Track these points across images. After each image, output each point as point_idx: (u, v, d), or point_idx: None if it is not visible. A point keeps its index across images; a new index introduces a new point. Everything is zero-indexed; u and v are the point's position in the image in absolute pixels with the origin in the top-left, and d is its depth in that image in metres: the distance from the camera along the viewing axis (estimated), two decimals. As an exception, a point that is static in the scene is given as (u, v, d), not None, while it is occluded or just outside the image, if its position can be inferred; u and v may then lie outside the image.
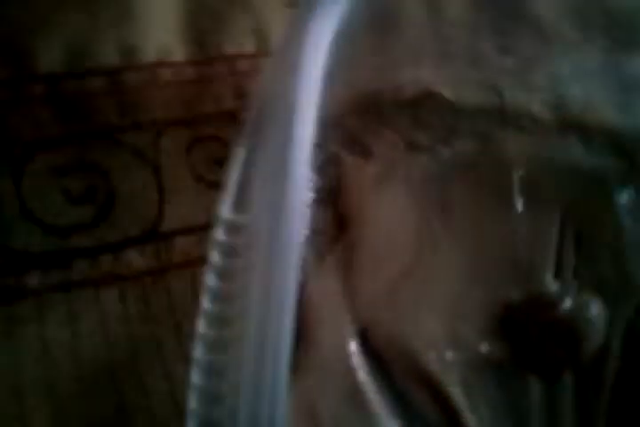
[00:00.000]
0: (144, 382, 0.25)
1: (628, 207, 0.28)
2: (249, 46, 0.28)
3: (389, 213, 0.27)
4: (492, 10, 0.28)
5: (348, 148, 0.28)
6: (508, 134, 0.28)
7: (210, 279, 0.19)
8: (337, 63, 0.22)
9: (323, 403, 0.24)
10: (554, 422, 0.25)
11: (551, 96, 0.28)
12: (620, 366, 0.26)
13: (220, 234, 0.20)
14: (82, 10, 0.26)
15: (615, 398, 0.26)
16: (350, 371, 0.25)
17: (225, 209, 0.20)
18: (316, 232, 0.25)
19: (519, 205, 0.28)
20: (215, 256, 0.20)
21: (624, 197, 0.28)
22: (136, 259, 0.25)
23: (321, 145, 0.24)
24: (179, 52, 0.27)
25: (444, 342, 0.26)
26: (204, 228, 0.26)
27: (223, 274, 0.20)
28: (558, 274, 0.27)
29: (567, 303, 0.27)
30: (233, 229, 0.20)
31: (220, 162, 0.27)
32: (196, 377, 0.19)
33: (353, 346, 0.26)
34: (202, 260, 0.26)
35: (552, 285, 0.27)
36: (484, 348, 0.26)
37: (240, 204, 0.21)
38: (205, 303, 0.19)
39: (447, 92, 0.28)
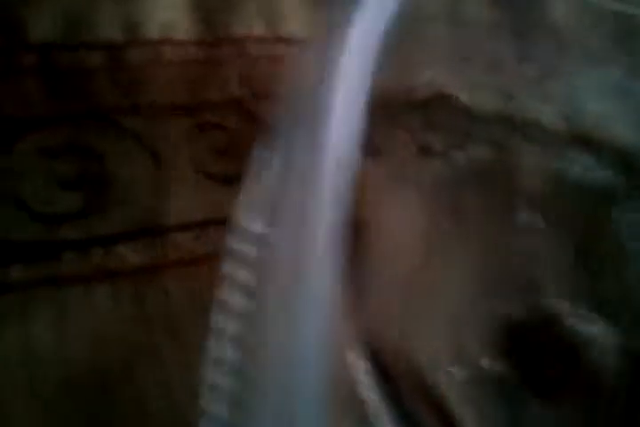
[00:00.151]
0: (137, 389, 0.22)
1: (633, 224, 0.27)
2: (258, 29, 0.26)
3: (399, 218, 0.26)
4: (512, 13, 0.27)
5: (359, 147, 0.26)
6: (520, 143, 0.27)
7: (231, 296, 0.17)
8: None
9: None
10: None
11: (566, 108, 0.27)
12: (620, 383, 0.25)
13: (240, 246, 0.17)
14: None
15: (614, 414, 0.25)
16: (356, 389, 0.24)
17: (246, 219, 0.18)
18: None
19: (526, 216, 0.26)
20: (235, 271, 0.17)
21: (629, 214, 0.27)
22: (130, 254, 0.23)
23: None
24: (184, 31, 0.25)
25: (448, 357, 0.25)
26: (203, 223, 0.24)
27: (245, 293, 0.17)
28: (561, 289, 0.26)
29: (570, 320, 0.26)
30: (256, 242, 0.18)
31: (223, 152, 0.25)
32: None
33: (359, 362, 0.24)
34: (202, 258, 0.24)
35: (554, 300, 0.26)
36: (486, 363, 0.25)
37: (265, 214, 0.18)
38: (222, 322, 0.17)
39: (463, 96, 0.26)
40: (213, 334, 0.18)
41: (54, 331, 0.22)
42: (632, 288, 0.26)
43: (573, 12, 0.27)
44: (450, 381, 0.25)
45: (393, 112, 0.27)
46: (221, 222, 0.24)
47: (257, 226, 0.19)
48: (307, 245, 0.18)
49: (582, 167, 0.27)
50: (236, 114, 0.25)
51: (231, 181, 0.25)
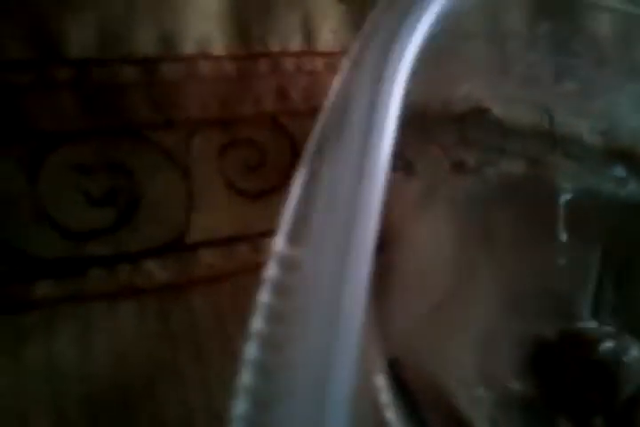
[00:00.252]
0: (158, 407, 0.22)
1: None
2: (294, 43, 0.25)
3: (429, 235, 0.25)
4: (552, 26, 0.25)
5: (391, 162, 0.25)
6: (555, 159, 0.26)
7: (258, 322, 0.16)
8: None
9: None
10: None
11: (603, 123, 0.26)
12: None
13: (272, 269, 0.17)
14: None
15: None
16: (377, 406, 0.23)
17: (279, 240, 0.17)
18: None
19: (562, 235, 0.26)
20: (266, 295, 0.17)
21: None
22: (157, 270, 0.23)
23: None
24: (220, 45, 0.24)
25: (475, 378, 0.24)
26: (233, 240, 0.24)
27: (273, 317, 0.17)
28: (596, 312, 0.25)
29: (607, 345, 0.25)
30: (287, 264, 0.17)
31: (255, 168, 0.24)
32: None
33: (381, 380, 0.23)
34: (228, 275, 0.24)
35: (589, 323, 0.25)
36: (514, 386, 0.24)
37: (297, 234, 0.18)
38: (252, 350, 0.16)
39: (497, 110, 0.25)
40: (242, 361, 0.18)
41: (78, 347, 0.22)
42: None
43: (614, 25, 0.26)
44: (476, 402, 0.24)
45: (428, 127, 0.26)
46: (251, 239, 0.24)
47: (281, 245, 0.18)
48: (344, 269, 0.17)
49: (619, 183, 0.26)
50: (269, 129, 0.24)
51: (262, 197, 0.24)
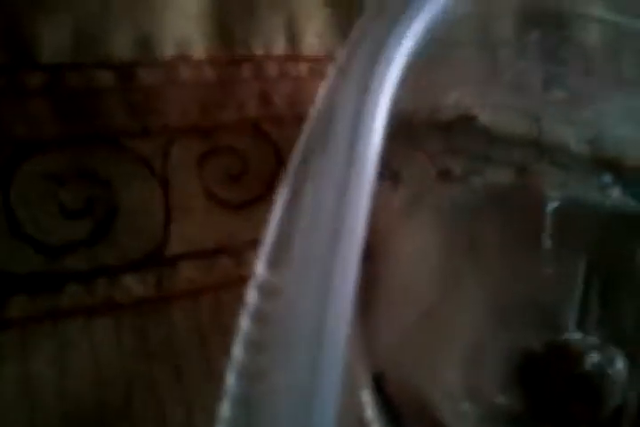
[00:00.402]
0: (136, 425, 0.21)
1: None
2: (278, 47, 0.23)
3: (414, 245, 0.24)
4: (541, 35, 0.24)
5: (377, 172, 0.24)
6: (542, 167, 0.25)
7: (238, 351, 0.15)
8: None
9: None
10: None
11: (591, 133, 0.25)
12: (636, 424, 0.23)
13: (252, 296, 0.16)
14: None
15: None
16: (362, 421, 0.22)
17: (259, 266, 0.16)
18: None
19: (547, 244, 0.24)
20: (246, 323, 0.15)
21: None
22: (135, 285, 0.21)
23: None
24: (200, 48, 0.22)
25: (460, 392, 0.23)
26: (215, 252, 0.22)
27: (254, 346, 0.15)
28: (582, 322, 0.24)
29: (593, 358, 0.24)
30: (268, 290, 0.16)
31: (237, 177, 0.23)
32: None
33: (366, 395, 0.22)
34: (208, 289, 0.22)
35: (575, 334, 0.24)
36: (500, 400, 0.23)
37: (278, 258, 0.16)
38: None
39: (484, 118, 0.24)
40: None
41: (55, 365, 0.21)
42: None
43: (602, 35, 0.25)
44: (461, 417, 0.23)
45: (414, 134, 0.25)
46: (233, 251, 0.23)
47: (261, 270, 0.17)
48: (328, 294, 0.16)
49: (605, 192, 0.25)
50: (251, 137, 0.23)
51: (245, 207, 0.23)
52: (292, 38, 0.24)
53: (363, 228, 0.17)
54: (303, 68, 0.24)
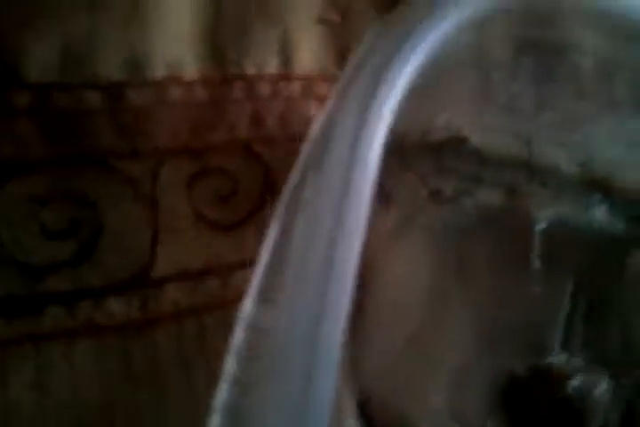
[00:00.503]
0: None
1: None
2: (271, 66, 0.23)
3: (404, 265, 0.23)
4: (534, 58, 0.23)
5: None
6: (532, 188, 0.24)
7: (223, 392, 0.15)
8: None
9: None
10: None
11: (581, 155, 0.24)
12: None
13: (240, 335, 0.15)
14: (81, 8, 0.20)
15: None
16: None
17: (248, 304, 0.15)
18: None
19: (535, 265, 0.24)
20: (233, 361, 0.15)
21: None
22: (119, 308, 0.21)
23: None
24: (192, 68, 0.22)
25: (446, 417, 0.23)
26: (202, 274, 0.22)
27: (239, 384, 0.15)
28: (566, 345, 0.24)
29: (576, 381, 0.23)
30: (256, 328, 0.15)
31: (226, 198, 0.22)
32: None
33: (351, 423, 0.22)
34: (192, 311, 0.22)
35: (559, 356, 0.24)
36: (486, 424, 0.23)
37: (268, 295, 0.16)
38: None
39: (476, 139, 0.24)
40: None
41: (34, 390, 0.20)
42: (635, 344, 0.24)
43: (595, 59, 0.24)
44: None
45: (405, 155, 0.24)
46: (221, 273, 0.22)
47: (250, 307, 0.16)
48: (319, 329, 0.15)
49: (595, 215, 0.25)
50: (242, 157, 0.22)
51: (234, 228, 0.22)
52: (285, 57, 0.23)
53: (358, 253, 0.16)
54: (296, 87, 0.23)
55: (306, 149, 0.17)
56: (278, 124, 0.23)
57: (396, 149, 0.23)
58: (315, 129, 0.17)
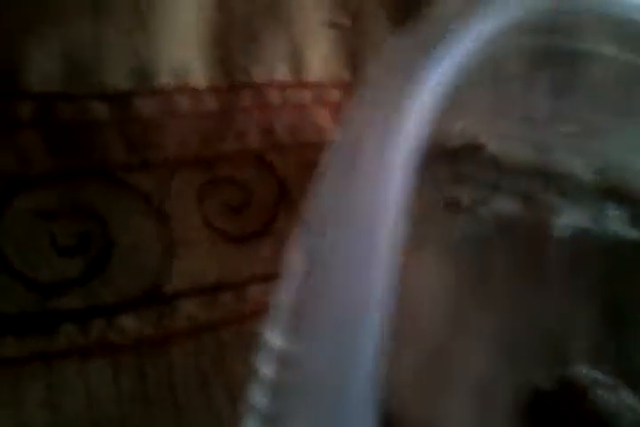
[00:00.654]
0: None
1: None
2: (281, 74, 0.22)
3: (421, 281, 0.22)
4: (551, 69, 0.23)
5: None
6: (549, 197, 0.23)
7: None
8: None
9: None
10: None
11: (599, 163, 0.23)
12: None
13: (266, 367, 0.14)
14: (85, 15, 0.19)
15: None
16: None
17: (274, 335, 0.14)
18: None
19: (557, 277, 0.23)
20: (259, 394, 0.14)
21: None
22: (133, 325, 0.19)
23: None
24: (200, 76, 0.21)
25: (472, 429, 0.21)
26: (216, 288, 0.21)
27: (268, 420, 0.13)
28: (591, 358, 0.23)
29: (600, 394, 0.22)
30: (282, 360, 0.14)
31: (239, 209, 0.21)
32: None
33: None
34: (208, 327, 0.20)
35: (584, 369, 0.23)
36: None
37: (294, 326, 0.14)
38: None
39: (492, 146, 0.23)
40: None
41: (47, 410, 0.19)
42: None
43: (611, 70, 0.23)
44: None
45: (420, 163, 0.23)
46: (236, 287, 0.21)
47: (277, 339, 0.15)
48: (350, 364, 0.14)
49: (615, 223, 0.24)
50: (254, 167, 0.21)
51: (248, 240, 0.21)
52: (295, 64, 0.22)
53: (394, 276, 0.15)
54: (307, 94, 0.22)
55: (329, 159, 0.16)
56: (289, 132, 0.22)
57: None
58: (338, 138, 0.16)
